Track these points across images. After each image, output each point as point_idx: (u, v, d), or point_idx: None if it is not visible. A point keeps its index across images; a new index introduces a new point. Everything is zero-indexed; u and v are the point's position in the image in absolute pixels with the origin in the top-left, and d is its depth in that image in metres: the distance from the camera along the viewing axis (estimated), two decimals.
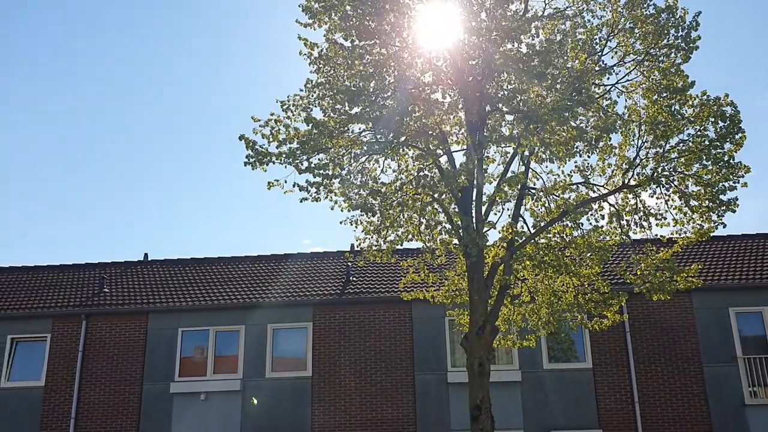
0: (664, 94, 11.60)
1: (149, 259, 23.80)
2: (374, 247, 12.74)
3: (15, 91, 47.55)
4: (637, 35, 11.77)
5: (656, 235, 12.84)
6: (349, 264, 19.99)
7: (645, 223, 12.34)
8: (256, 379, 18.75)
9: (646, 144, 11.98)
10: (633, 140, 12.19)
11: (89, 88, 49.31)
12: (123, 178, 52.18)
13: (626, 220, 12.41)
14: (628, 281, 13.37)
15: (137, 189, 51.91)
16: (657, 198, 12.19)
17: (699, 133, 11.58)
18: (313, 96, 11.70)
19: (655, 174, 11.86)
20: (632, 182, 12.11)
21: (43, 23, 49.15)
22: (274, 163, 11.35)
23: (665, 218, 12.25)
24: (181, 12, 53.56)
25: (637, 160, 12.04)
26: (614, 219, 12.41)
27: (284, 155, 11.30)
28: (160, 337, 19.34)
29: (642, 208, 12.37)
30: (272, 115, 11.51)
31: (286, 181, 11.42)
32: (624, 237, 12.60)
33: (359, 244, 12.92)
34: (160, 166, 51.94)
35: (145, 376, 19.01)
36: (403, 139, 11.48)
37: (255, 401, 18.40)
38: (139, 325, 19.48)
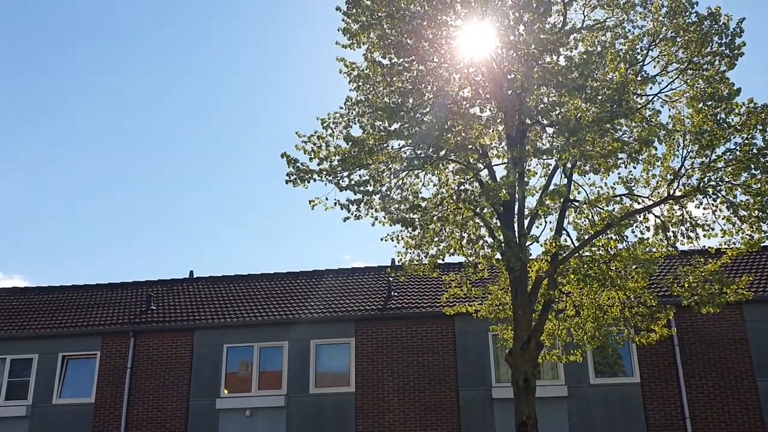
0: (709, 103, 11.39)
1: (195, 276, 24.18)
2: (415, 262, 12.74)
3: (69, 118, 49.04)
4: (680, 44, 11.60)
5: (704, 246, 12.59)
6: (391, 279, 20.01)
7: (692, 235, 12.11)
8: (300, 395, 18.83)
9: (691, 154, 11.77)
10: (677, 150, 11.99)
11: (133, 107, 50.61)
12: (169, 197, 53.23)
13: (672, 231, 12.19)
14: (675, 294, 13.11)
15: (183, 208, 52.89)
16: (704, 208, 11.94)
17: (746, 141, 11.33)
18: (353, 113, 11.83)
19: (702, 184, 11.62)
20: (678, 193, 11.90)
21: (97, 47, 50.65)
22: (315, 180, 11.50)
23: (713, 229, 11.99)
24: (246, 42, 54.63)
25: (683, 171, 11.83)
26: (660, 231, 12.20)
27: (325, 172, 11.44)
28: (205, 354, 19.59)
29: (689, 219, 12.13)
30: (315, 132, 11.67)
31: (326, 198, 11.55)
32: (671, 249, 12.38)
33: (400, 259, 12.93)
34: (205, 186, 52.86)
35: (191, 392, 19.25)
36: (442, 153, 11.50)
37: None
38: (185, 342, 19.77)
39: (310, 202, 11.59)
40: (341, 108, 11.93)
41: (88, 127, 48.23)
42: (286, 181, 11.47)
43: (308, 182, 11.53)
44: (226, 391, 19.22)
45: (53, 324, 20.79)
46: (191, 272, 24.31)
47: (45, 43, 49.49)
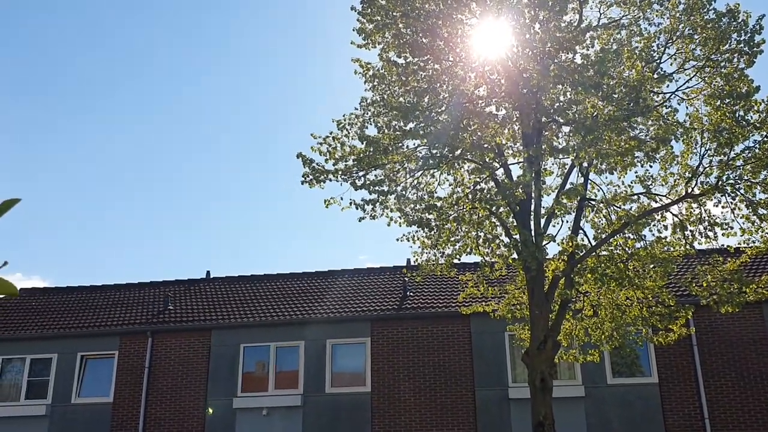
0: (728, 100, 11.29)
1: (211, 276, 24.30)
2: (432, 262, 12.72)
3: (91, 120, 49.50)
4: (697, 41, 11.51)
5: (723, 245, 12.48)
6: (406, 279, 20.00)
7: (710, 233, 12.00)
8: (316, 395, 18.87)
9: (709, 152, 11.67)
10: (695, 148, 11.90)
11: (151, 108, 50.98)
12: (186, 198, 53.54)
13: (691, 230, 12.10)
14: (694, 293, 12.99)
15: (200, 209, 53.17)
16: (722, 207, 11.84)
17: (766, 139, 11.22)
18: (368, 114, 11.84)
19: (720, 182, 11.52)
20: (696, 191, 11.80)
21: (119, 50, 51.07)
22: (330, 180, 11.52)
23: (732, 228, 11.88)
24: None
25: (701, 169, 11.73)
26: (678, 229, 12.11)
27: (340, 172, 11.46)
28: (222, 353, 19.68)
29: (707, 218, 12.03)
30: (330, 133, 11.69)
31: (342, 198, 11.56)
32: (689, 248, 12.28)
33: (416, 259, 12.92)
34: (221, 187, 53.14)
35: (208, 391, 19.35)
36: (458, 153, 11.48)
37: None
38: (202, 342, 19.87)
39: (325, 201, 11.61)
40: (356, 109, 11.95)
41: (107, 128, 48.65)
42: (302, 182, 11.50)
43: (324, 183, 11.55)
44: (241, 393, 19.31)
45: (72, 324, 20.98)
46: (208, 272, 24.44)
47: (65, 42, 50.03)
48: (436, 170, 12.05)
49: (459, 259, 12.66)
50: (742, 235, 11.86)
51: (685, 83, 11.85)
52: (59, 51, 49.10)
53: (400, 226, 11.78)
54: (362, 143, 11.34)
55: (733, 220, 11.86)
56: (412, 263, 13.99)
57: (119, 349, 20.12)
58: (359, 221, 11.66)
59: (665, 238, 12.11)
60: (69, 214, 52.62)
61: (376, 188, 11.30)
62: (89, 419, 19.55)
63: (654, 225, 12.04)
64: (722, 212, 11.92)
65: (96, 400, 19.79)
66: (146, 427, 19.22)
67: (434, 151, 11.47)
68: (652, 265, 12.39)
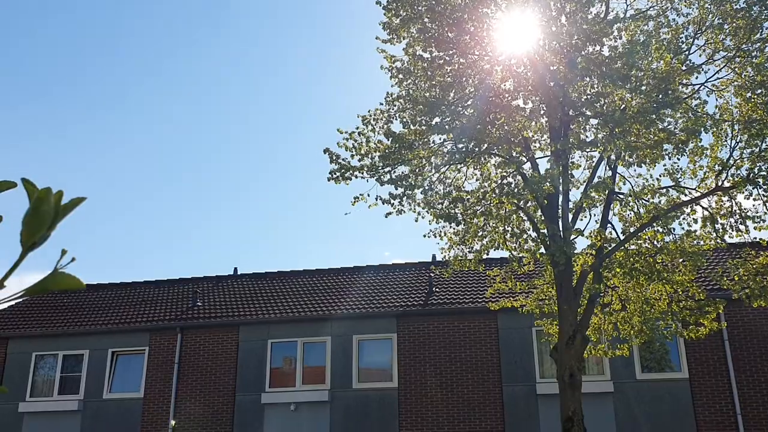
0: (759, 91, 11.12)
1: (239, 273, 24.53)
2: (460, 258, 12.71)
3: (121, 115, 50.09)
4: (727, 31, 11.34)
5: (754, 238, 12.27)
6: (432, 275, 20.01)
7: (742, 227, 11.83)
8: (343, 390, 18.96)
9: (740, 144, 11.50)
10: (726, 140, 11.73)
11: (169, 104, 51.44)
12: (213, 196, 54.02)
13: (721, 223, 11.94)
14: (725, 287, 12.82)
15: (228, 207, 53.62)
16: (754, 199, 11.66)
17: None
18: (393, 109, 11.85)
19: (752, 174, 11.35)
20: (726, 184, 11.64)
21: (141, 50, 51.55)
22: (356, 177, 11.55)
23: (764, 220, 11.69)
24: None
25: (731, 161, 11.56)
26: (708, 223, 11.95)
27: (366, 168, 11.48)
28: (250, 349, 19.86)
29: (738, 211, 11.86)
30: (357, 128, 11.72)
31: (368, 195, 11.59)
32: (719, 241, 12.12)
33: (444, 255, 12.92)
34: (247, 185, 53.48)
35: (237, 386, 19.54)
36: (484, 147, 11.45)
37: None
38: (230, 337, 20.06)
39: (353, 199, 11.63)
40: (381, 104, 11.96)
41: (137, 126, 49.22)
42: (329, 179, 11.54)
43: (350, 179, 11.58)
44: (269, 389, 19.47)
45: (103, 321, 21.30)
46: (235, 269, 24.68)
47: (92, 38, 50.65)
48: (462, 165, 12.02)
49: (487, 254, 12.62)
50: None
51: (714, 74, 11.70)
52: (86, 48, 49.73)
53: (430, 222, 11.78)
54: (388, 139, 11.36)
55: (765, 213, 11.68)
56: (439, 259, 13.97)
57: (149, 345, 20.39)
58: (386, 216, 11.68)
59: (695, 231, 11.97)
60: (100, 213, 53.40)
61: (402, 182, 11.31)
62: (120, 414, 19.84)
63: (683, 218, 11.90)
64: (754, 205, 11.74)
65: (127, 396, 20.07)
66: (176, 422, 19.45)
67: (460, 146, 11.45)
68: (681, 259, 12.26)
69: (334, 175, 11.51)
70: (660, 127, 10.61)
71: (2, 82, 46.73)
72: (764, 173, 11.32)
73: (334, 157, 11.43)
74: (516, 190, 11.27)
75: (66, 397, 20.23)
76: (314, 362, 19.60)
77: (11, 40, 46.67)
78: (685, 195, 11.93)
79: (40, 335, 20.88)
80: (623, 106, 10.57)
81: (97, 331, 20.75)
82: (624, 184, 12.19)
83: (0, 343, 20.95)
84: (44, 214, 0.81)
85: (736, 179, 11.53)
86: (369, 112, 11.91)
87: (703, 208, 12.04)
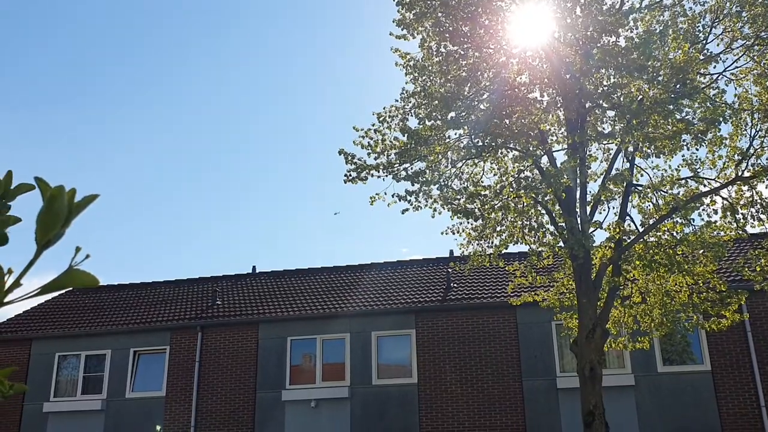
0: None
1: (257, 271, 24.64)
2: (479, 253, 12.67)
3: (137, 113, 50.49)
4: (745, 19, 11.20)
5: None
6: (449, 270, 19.97)
7: (763, 216, 11.70)
8: (363, 387, 19.00)
9: (760, 133, 11.36)
10: (745, 129, 11.59)
11: (182, 105, 51.73)
12: (231, 195, 54.28)
13: (742, 213, 11.80)
14: (747, 278, 12.69)
15: (246, 205, 53.88)
16: None
17: None
18: (408, 105, 11.82)
19: None
20: (746, 174, 11.51)
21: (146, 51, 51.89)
22: (372, 175, 11.53)
23: None
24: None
25: (751, 150, 11.43)
26: (728, 213, 11.82)
27: (382, 166, 11.46)
28: (270, 347, 19.95)
29: (759, 200, 11.72)
30: (372, 126, 11.71)
31: (386, 193, 11.57)
32: (740, 232, 11.98)
33: (462, 251, 12.89)
34: (261, 182, 53.71)
35: (258, 384, 19.64)
36: (500, 141, 11.40)
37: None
38: (250, 335, 20.17)
39: (370, 198, 11.60)
40: (397, 101, 11.94)
41: (156, 126, 49.59)
42: (345, 180, 11.49)
43: (366, 179, 11.57)
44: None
45: (124, 321, 21.50)
46: (254, 267, 24.80)
47: (114, 35, 51.07)
48: (478, 159, 11.98)
49: (506, 248, 12.57)
50: None
51: (733, 63, 11.56)
52: (103, 50, 50.16)
53: (450, 219, 11.75)
54: (404, 135, 11.33)
55: None
56: (456, 255, 13.93)
57: (170, 344, 20.54)
58: (402, 213, 11.66)
59: (715, 222, 11.84)
60: (118, 215, 53.88)
61: (419, 178, 11.29)
62: (143, 413, 20.02)
63: (703, 209, 11.78)
64: None
65: (149, 395, 20.25)
66: (198, 420, 19.61)
67: (476, 140, 11.41)
68: (701, 250, 12.13)
69: (350, 176, 11.49)
70: (678, 117, 10.50)
71: (19, 85, 47.29)
72: None
73: (349, 158, 11.41)
74: (533, 184, 11.21)
75: (89, 396, 20.45)
76: (333, 359, 19.65)
77: (27, 49, 47.21)
78: (705, 185, 11.81)
79: (63, 336, 21.12)
80: (640, 97, 10.46)
81: (119, 331, 20.95)
82: (642, 176, 12.10)
83: (24, 344, 21.22)
84: (58, 211, 0.82)
85: (757, 168, 11.40)
86: (384, 109, 11.90)
87: (722, 198, 11.92)
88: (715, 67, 11.55)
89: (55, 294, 22.13)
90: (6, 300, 0.85)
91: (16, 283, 0.86)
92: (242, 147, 52.55)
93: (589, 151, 11.79)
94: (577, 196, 11.32)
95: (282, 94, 53.42)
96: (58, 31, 48.77)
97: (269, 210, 53.74)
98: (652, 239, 12.04)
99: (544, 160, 11.76)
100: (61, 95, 49.25)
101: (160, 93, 50.16)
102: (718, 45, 11.64)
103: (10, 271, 0.84)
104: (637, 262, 11.99)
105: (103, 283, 23.10)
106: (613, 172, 11.52)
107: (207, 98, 50.09)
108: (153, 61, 49.81)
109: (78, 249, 0.85)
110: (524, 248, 12.77)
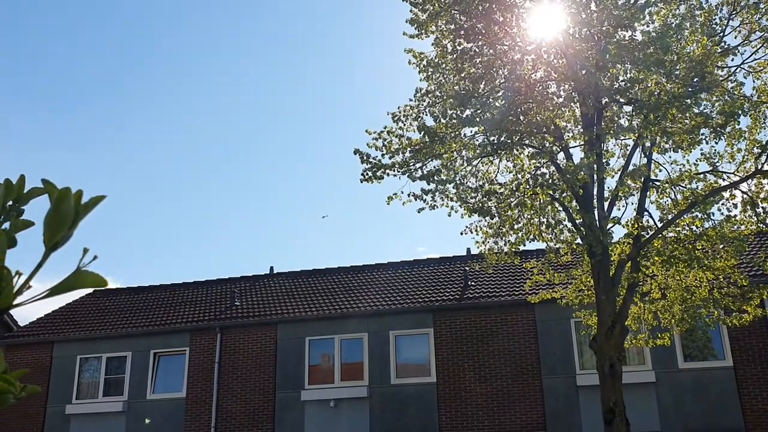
0: None
1: (275, 272, 24.73)
2: (495, 251, 12.62)
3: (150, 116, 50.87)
4: (763, 10, 11.09)
5: None
6: (467, 269, 19.91)
7: None
8: (382, 386, 19.01)
9: None
10: (764, 122, 11.46)
11: (199, 107, 52.03)
12: (249, 196, 54.55)
13: (762, 207, 11.66)
14: None
15: (264, 206, 54.13)
16: None
17: None
18: (423, 104, 11.80)
19: None
20: (766, 167, 11.36)
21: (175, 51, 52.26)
22: (388, 174, 11.52)
23: None
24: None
25: None
26: (748, 207, 11.69)
27: (397, 165, 11.45)
28: (289, 347, 20.01)
29: None
30: (385, 128, 11.70)
31: (402, 192, 11.56)
32: (761, 225, 11.84)
33: (480, 249, 12.84)
34: (278, 183, 53.91)
35: (277, 384, 19.71)
36: (516, 138, 11.34)
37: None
38: (269, 336, 20.24)
39: (388, 198, 11.58)
40: (411, 100, 11.92)
41: (174, 126, 49.93)
42: (361, 180, 11.49)
43: (382, 178, 11.56)
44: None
45: (145, 322, 21.66)
46: (271, 268, 24.91)
47: (132, 37, 51.49)
48: (494, 157, 11.93)
49: (524, 246, 12.51)
50: None
51: (751, 55, 11.43)
52: (118, 51, 50.58)
53: (462, 217, 11.71)
54: (420, 133, 11.31)
55: None
56: (473, 253, 13.88)
57: (190, 345, 20.67)
58: (418, 212, 11.64)
59: (735, 216, 11.71)
60: (138, 217, 54.31)
61: (434, 177, 11.26)
62: (164, 414, 20.16)
63: (722, 203, 11.65)
64: None
65: (170, 396, 20.38)
66: (219, 421, 19.72)
67: (491, 138, 11.36)
68: (722, 245, 12.00)
69: (366, 175, 11.49)
70: (696, 111, 10.39)
71: (29, 88, 47.82)
72: None
73: (365, 157, 11.41)
74: (550, 181, 11.15)
75: (111, 398, 20.62)
76: (352, 359, 19.67)
77: (41, 56, 47.72)
78: (724, 179, 11.69)
79: (84, 338, 21.32)
80: (658, 91, 10.37)
81: (139, 332, 21.11)
82: (660, 171, 11.99)
83: (45, 347, 21.46)
84: (65, 213, 0.82)
85: None
86: (399, 108, 11.88)
87: (742, 192, 11.79)
88: (732, 59, 11.44)
89: (75, 297, 22.19)
90: (16, 302, 0.86)
91: (26, 285, 0.86)
92: (259, 148, 52.78)
93: (606, 147, 11.70)
94: (595, 192, 11.23)
95: (300, 95, 53.56)
96: (76, 32, 49.23)
97: (286, 210, 53.94)
98: (671, 235, 11.93)
99: (561, 156, 11.68)
100: (79, 98, 49.72)
101: (179, 93, 50.47)
102: (735, 37, 11.54)
103: (18, 273, 0.85)
104: (656, 258, 11.89)
105: (122, 286, 23.23)
106: (631, 167, 11.43)
107: (224, 99, 50.33)
108: (170, 63, 50.15)
109: (86, 251, 0.85)
110: (542, 246, 12.69)
